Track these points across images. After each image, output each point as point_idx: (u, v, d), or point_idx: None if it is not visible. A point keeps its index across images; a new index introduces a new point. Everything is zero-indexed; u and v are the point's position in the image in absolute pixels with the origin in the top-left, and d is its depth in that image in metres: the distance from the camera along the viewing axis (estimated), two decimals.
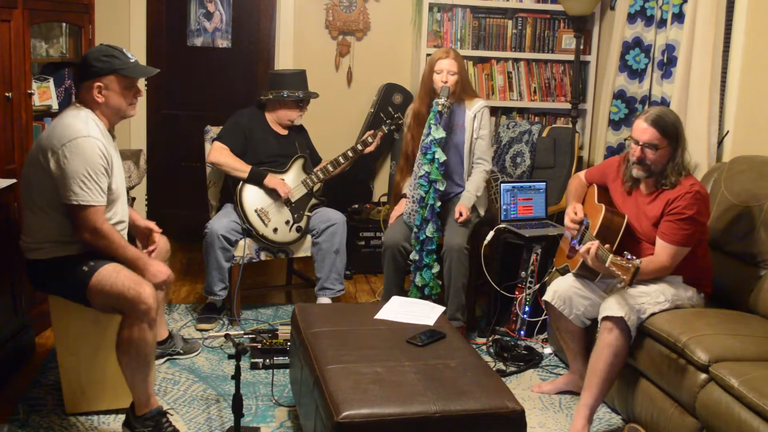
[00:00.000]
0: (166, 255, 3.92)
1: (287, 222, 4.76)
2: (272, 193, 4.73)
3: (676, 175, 3.53)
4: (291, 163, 4.86)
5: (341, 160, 4.92)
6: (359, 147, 4.94)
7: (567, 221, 3.87)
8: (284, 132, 4.93)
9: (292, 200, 4.78)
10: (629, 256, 3.25)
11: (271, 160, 4.82)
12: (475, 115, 4.64)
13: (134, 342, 3.22)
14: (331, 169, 4.91)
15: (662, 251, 3.52)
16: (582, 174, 4.10)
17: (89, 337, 3.49)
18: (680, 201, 3.49)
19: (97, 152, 3.22)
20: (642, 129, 3.53)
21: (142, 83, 5.79)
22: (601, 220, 3.65)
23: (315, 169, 4.92)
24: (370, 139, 4.94)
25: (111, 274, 3.23)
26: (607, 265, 3.33)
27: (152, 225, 3.75)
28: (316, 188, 4.92)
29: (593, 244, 3.44)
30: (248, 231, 4.67)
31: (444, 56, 4.56)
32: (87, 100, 3.34)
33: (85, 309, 3.35)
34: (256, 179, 4.69)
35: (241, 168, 4.68)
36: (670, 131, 3.50)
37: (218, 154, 4.71)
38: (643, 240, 3.67)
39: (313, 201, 4.89)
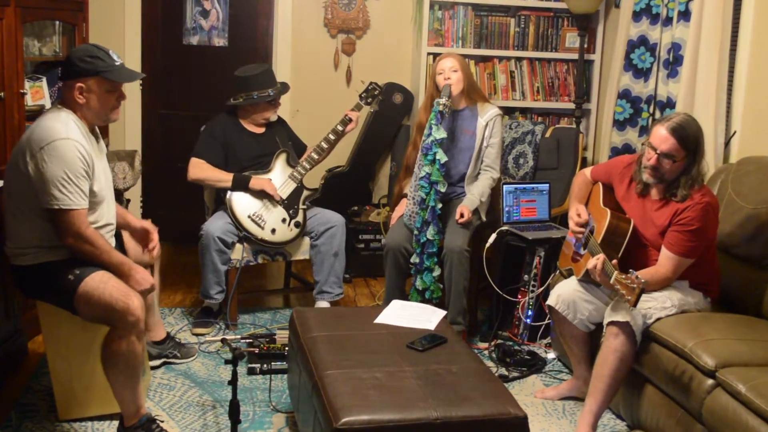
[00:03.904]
0: (158, 258, 3.86)
1: (284, 220, 4.70)
2: (261, 194, 4.67)
3: (688, 189, 3.47)
4: (273, 160, 4.79)
5: (324, 145, 4.83)
6: (339, 127, 4.84)
7: (571, 224, 3.85)
8: (261, 130, 4.87)
9: (284, 197, 4.71)
10: (635, 275, 3.19)
11: (253, 163, 4.77)
12: (487, 123, 4.63)
13: (123, 355, 3.18)
14: (316, 156, 4.83)
15: (666, 261, 3.49)
16: (587, 171, 4.05)
17: (80, 343, 3.45)
18: (689, 212, 3.44)
19: (77, 155, 3.15)
20: (662, 137, 3.45)
21: (136, 82, 5.88)
22: (607, 226, 3.60)
23: (300, 160, 4.84)
24: (349, 117, 4.86)
25: (98, 285, 3.18)
26: (611, 282, 3.28)
27: (148, 225, 3.70)
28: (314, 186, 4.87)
29: (599, 260, 3.38)
30: (246, 238, 4.61)
31: (445, 56, 4.58)
32: (68, 100, 3.28)
33: (74, 314, 3.30)
34: (240, 185, 4.63)
35: (223, 178, 4.63)
36: (690, 144, 3.44)
37: (197, 170, 4.66)
38: (648, 245, 3.63)
39: (306, 193, 4.82)
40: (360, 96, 4.96)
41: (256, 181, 4.65)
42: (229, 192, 4.62)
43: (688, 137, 3.42)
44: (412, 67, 6.18)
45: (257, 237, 4.62)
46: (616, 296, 3.49)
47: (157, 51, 6.08)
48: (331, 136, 4.83)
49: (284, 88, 4.87)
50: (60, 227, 3.17)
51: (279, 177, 4.77)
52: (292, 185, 4.78)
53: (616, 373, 3.37)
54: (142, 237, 3.70)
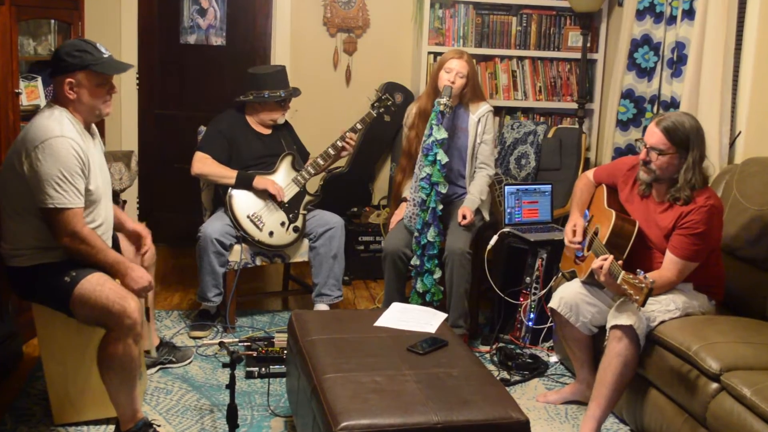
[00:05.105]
0: (152, 260, 3.83)
1: (282, 223, 4.66)
2: (263, 195, 4.63)
3: (689, 190, 3.44)
4: (279, 162, 4.76)
5: (331, 151, 4.81)
6: (347, 135, 4.83)
7: (566, 241, 3.84)
8: (267, 131, 4.84)
9: (285, 200, 4.66)
10: (642, 274, 3.15)
11: (257, 162, 4.73)
12: (479, 119, 4.59)
13: (119, 358, 3.15)
14: (321, 162, 4.81)
15: (671, 265, 3.46)
16: (590, 173, 4.02)
17: (75, 346, 3.42)
18: (694, 215, 3.41)
19: (72, 152, 3.13)
20: (650, 131, 3.48)
21: (133, 82, 5.84)
22: (612, 227, 3.57)
23: (305, 165, 4.82)
24: (358, 126, 4.84)
25: (95, 287, 3.15)
26: (618, 282, 3.25)
27: (141, 229, 3.68)
28: (315, 189, 4.82)
29: (606, 261, 3.35)
30: (243, 238, 4.57)
31: (457, 57, 4.52)
32: (60, 97, 3.26)
33: (69, 317, 3.27)
34: (244, 183, 4.59)
35: (227, 174, 4.59)
36: (680, 139, 3.42)
37: (201, 164, 4.61)
38: (653, 248, 3.60)
39: (307, 198, 4.79)
40: (372, 105, 4.95)
41: (261, 180, 4.61)
42: (230, 189, 4.58)
43: (677, 131, 3.41)
44: (412, 67, 6.15)
45: (255, 238, 4.58)
46: (619, 299, 3.47)
47: (154, 50, 6.05)
48: (339, 143, 4.81)
49: (295, 91, 4.85)
50: (55, 226, 3.14)
51: (282, 179, 4.73)
52: (295, 189, 4.74)
53: (620, 377, 3.34)
54: (135, 240, 3.69)
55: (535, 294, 4.54)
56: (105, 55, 3.26)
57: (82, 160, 3.17)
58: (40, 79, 4.43)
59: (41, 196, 3.10)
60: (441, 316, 3.65)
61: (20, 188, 3.15)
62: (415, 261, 4.39)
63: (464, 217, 4.40)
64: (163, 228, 6.07)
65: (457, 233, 4.39)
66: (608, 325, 3.40)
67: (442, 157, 4.29)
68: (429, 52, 5.84)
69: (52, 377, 3.43)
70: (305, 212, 4.75)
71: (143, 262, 3.66)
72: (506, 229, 4.66)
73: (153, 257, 3.85)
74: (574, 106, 5.96)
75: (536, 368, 4.27)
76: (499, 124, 5.95)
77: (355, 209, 5.92)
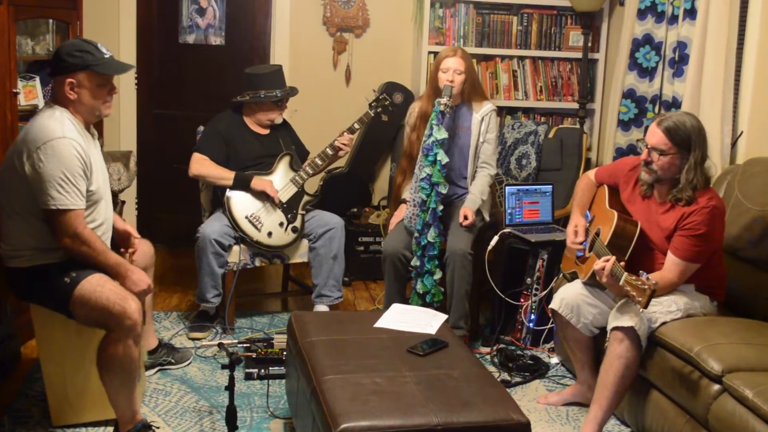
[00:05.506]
0: (150, 260, 3.83)
1: (281, 224, 4.65)
2: (261, 195, 4.62)
3: (691, 190, 3.43)
4: (276, 162, 4.75)
5: (329, 151, 4.79)
6: (344, 135, 4.82)
7: (568, 242, 3.83)
8: (265, 132, 4.83)
9: (283, 200, 4.66)
10: (645, 276, 3.15)
11: (255, 163, 4.72)
12: (482, 118, 4.58)
13: (119, 359, 3.15)
14: (319, 162, 4.80)
15: (673, 266, 3.45)
16: (592, 173, 4.01)
17: (74, 347, 3.41)
18: (696, 216, 3.40)
19: (74, 153, 3.12)
20: (651, 131, 3.47)
21: (131, 82, 5.83)
22: (614, 228, 3.56)
23: (303, 165, 4.80)
24: (356, 126, 4.83)
25: (95, 288, 3.15)
26: (621, 283, 3.24)
27: (130, 229, 3.66)
28: (314, 189, 4.79)
29: (608, 262, 3.33)
30: (242, 239, 4.55)
31: (451, 54, 4.50)
32: (60, 97, 3.25)
33: (68, 318, 3.26)
34: (242, 184, 4.57)
35: (224, 176, 4.58)
36: (681, 139, 3.40)
37: (199, 165, 4.61)
38: (654, 249, 3.59)
39: (306, 198, 4.77)
40: (370, 105, 4.93)
41: (258, 182, 4.60)
42: (228, 190, 4.57)
43: (677, 131, 3.39)
44: (412, 67, 6.14)
45: (253, 239, 4.56)
46: (620, 300, 3.46)
47: (153, 50, 6.04)
48: (336, 143, 4.79)
49: (292, 91, 4.84)
50: (57, 228, 3.14)
51: (280, 180, 4.72)
52: (293, 189, 4.73)
53: (622, 379, 3.33)
54: (123, 240, 3.67)
55: (535, 295, 4.52)
56: (106, 56, 3.25)
57: (84, 161, 3.17)
58: (38, 78, 4.42)
59: (43, 197, 3.09)
60: (441, 317, 3.64)
61: (20, 188, 3.14)
62: (415, 262, 4.38)
63: (466, 218, 4.39)
64: (162, 228, 6.07)
65: (459, 234, 4.37)
66: (609, 327, 3.39)
67: (443, 158, 4.27)
68: (429, 52, 5.81)
69: (50, 378, 3.42)
70: (304, 212, 4.74)
71: (131, 262, 3.65)
72: (507, 230, 4.65)
73: (152, 257, 3.84)
74: (575, 106, 5.95)
75: (537, 370, 4.25)
76: (500, 124, 5.92)
77: (355, 210, 5.90)
